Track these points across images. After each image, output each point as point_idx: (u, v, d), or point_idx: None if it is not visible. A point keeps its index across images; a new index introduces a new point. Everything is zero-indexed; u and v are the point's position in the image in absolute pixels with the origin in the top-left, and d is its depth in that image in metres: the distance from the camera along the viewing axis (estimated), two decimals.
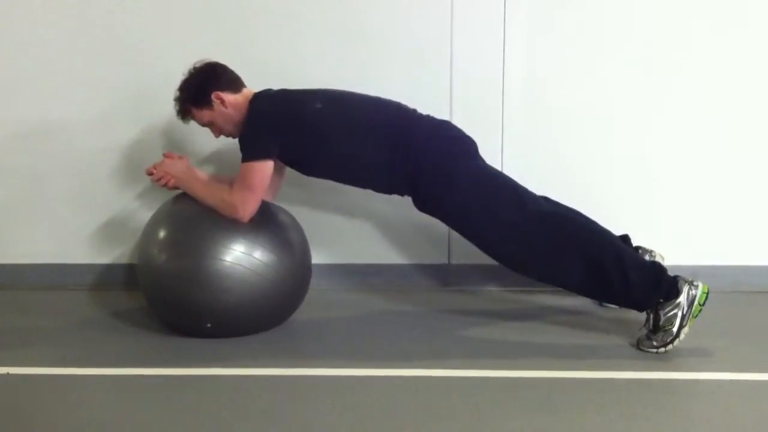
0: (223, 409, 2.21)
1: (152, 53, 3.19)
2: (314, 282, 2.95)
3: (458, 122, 3.11)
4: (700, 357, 2.55)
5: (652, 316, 2.57)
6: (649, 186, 3.20)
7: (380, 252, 3.29)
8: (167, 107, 2.79)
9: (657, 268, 2.62)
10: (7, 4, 3.19)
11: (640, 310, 2.63)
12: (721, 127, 3.16)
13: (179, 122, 2.82)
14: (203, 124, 2.81)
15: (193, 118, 2.79)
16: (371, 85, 3.01)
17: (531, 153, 3.19)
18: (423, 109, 2.84)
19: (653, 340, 2.55)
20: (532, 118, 3.18)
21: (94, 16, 3.19)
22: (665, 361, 2.51)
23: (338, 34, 3.16)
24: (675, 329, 2.51)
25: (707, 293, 2.54)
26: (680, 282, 2.55)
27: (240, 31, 3.17)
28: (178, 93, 2.76)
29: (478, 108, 3.17)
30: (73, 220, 3.31)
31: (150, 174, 2.82)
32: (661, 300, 2.55)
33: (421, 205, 2.79)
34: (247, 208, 2.64)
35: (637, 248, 2.88)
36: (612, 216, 3.16)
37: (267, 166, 2.67)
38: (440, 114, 3.06)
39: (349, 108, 2.76)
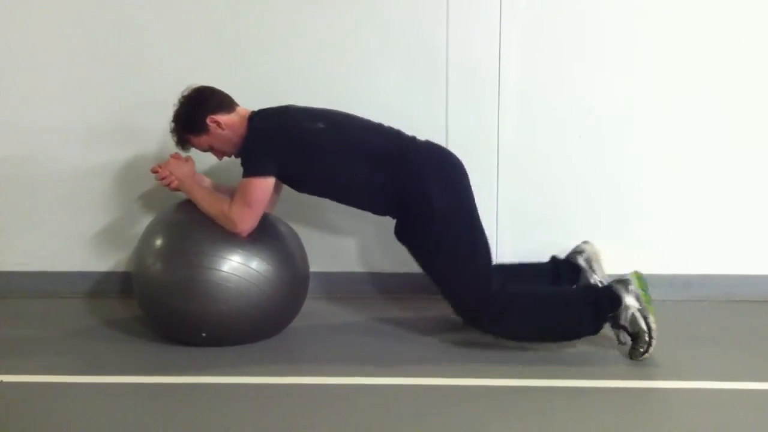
0: (218, 418, 2.21)
1: (150, 61, 3.19)
2: (311, 291, 2.95)
3: (453, 130, 3.12)
4: (694, 366, 2.56)
5: (619, 331, 2.61)
6: (643, 194, 3.20)
7: (376, 261, 3.29)
8: (164, 116, 2.78)
9: (588, 291, 2.68)
10: (5, 12, 3.19)
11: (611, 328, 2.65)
12: (715, 138, 3.16)
13: None
14: (204, 150, 2.79)
15: (193, 145, 2.77)
16: (367, 93, 3.02)
17: (527, 158, 3.19)
18: (420, 115, 2.84)
19: (638, 347, 2.57)
20: (528, 123, 3.18)
21: (93, 23, 3.19)
22: (659, 369, 2.52)
23: (335, 40, 3.16)
24: (644, 325, 2.54)
25: (639, 277, 2.61)
26: (614, 288, 2.61)
27: (238, 42, 3.17)
28: (173, 124, 2.74)
29: (475, 115, 3.16)
30: (69, 228, 3.31)
31: (155, 172, 2.81)
32: (612, 314, 2.59)
33: (401, 230, 2.75)
34: (246, 224, 2.63)
35: (570, 255, 2.92)
36: (604, 223, 3.18)
37: (267, 183, 2.65)
38: (437, 120, 3.08)
39: (350, 131, 2.73)
